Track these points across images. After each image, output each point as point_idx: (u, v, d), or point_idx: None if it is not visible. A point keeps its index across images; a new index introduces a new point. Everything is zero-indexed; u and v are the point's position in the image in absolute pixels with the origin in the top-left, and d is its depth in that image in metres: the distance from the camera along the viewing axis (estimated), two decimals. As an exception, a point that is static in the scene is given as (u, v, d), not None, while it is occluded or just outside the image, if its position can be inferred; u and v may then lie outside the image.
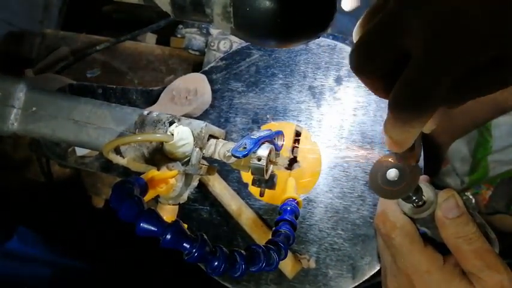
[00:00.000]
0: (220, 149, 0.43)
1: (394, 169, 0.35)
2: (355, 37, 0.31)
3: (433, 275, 0.39)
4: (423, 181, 0.42)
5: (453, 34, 0.24)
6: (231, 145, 0.43)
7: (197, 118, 0.51)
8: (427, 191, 0.40)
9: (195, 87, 0.57)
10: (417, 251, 0.40)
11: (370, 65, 0.29)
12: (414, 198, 0.39)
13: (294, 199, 0.48)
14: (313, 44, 0.57)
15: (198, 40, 0.66)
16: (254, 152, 0.41)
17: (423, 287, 0.40)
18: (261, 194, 0.55)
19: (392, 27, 0.27)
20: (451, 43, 0.24)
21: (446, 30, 0.24)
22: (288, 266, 0.52)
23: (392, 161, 0.36)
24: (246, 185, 0.56)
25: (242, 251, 0.34)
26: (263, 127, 0.56)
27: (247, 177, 0.55)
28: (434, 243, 0.41)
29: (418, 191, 0.39)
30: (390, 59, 0.28)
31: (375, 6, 0.29)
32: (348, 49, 0.56)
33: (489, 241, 0.41)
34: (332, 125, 0.55)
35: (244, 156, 0.39)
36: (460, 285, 0.38)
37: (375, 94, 0.31)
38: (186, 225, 0.32)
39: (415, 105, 0.26)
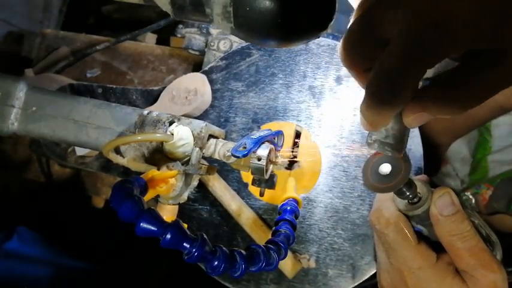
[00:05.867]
0: (220, 148, 0.43)
1: (386, 164, 0.35)
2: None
3: (425, 272, 0.39)
4: (419, 179, 0.42)
5: (428, 26, 0.25)
6: (231, 145, 0.43)
7: (197, 118, 0.51)
8: (422, 188, 0.40)
9: (195, 87, 0.58)
10: (410, 248, 0.40)
11: (355, 58, 0.30)
12: (408, 194, 0.39)
13: (294, 199, 0.48)
14: (313, 44, 0.57)
15: (198, 40, 0.66)
16: (254, 152, 0.41)
17: (415, 283, 0.40)
18: (261, 194, 0.55)
19: (372, 18, 0.28)
20: (425, 34, 0.25)
21: (423, 22, 0.25)
22: (288, 265, 0.52)
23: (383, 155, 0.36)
24: (246, 185, 0.56)
25: (242, 251, 0.34)
26: (263, 127, 0.56)
27: (247, 177, 0.55)
28: (429, 241, 0.41)
29: (412, 186, 0.39)
30: (373, 49, 0.28)
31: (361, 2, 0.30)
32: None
33: (491, 244, 0.41)
34: (332, 125, 0.55)
35: (244, 156, 0.39)
36: (452, 283, 0.38)
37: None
38: (186, 225, 0.32)
39: (387, 88, 0.27)
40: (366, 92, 0.29)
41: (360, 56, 0.30)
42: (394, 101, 0.28)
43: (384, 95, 0.27)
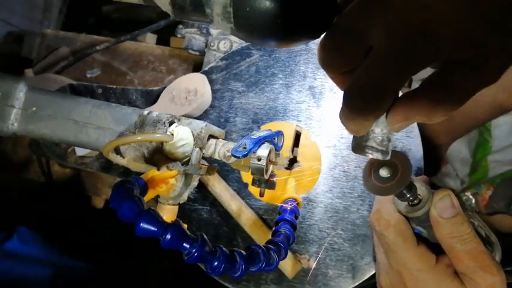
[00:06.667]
0: (220, 149, 0.43)
1: (386, 166, 0.35)
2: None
3: (425, 274, 0.39)
4: (420, 180, 0.42)
5: (412, 33, 0.24)
6: (231, 145, 0.43)
7: (197, 118, 0.51)
8: (422, 190, 0.40)
9: (195, 87, 0.58)
10: (410, 249, 0.40)
11: (334, 60, 0.29)
12: (408, 196, 0.39)
13: (294, 199, 0.48)
14: (313, 44, 0.57)
15: (198, 40, 0.66)
16: (254, 152, 0.41)
17: (414, 285, 0.40)
18: (261, 194, 0.55)
19: (355, 22, 0.27)
20: (410, 44, 0.24)
21: (406, 28, 0.24)
22: (288, 266, 0.52)
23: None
24: (246, 185, 0.56)
25: (242, 251, 0.34)
26: (263, 127, 0.56)
27: (247, 177, 0.55)
28: (429, 243, 0.41)
29: (412, 188, 0.39)
30: (354, 52, 0.28)
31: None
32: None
33: (490, 245, 0.41)
34: (332, 125, 0.55)
35: (244, 156, 0.39)
36: (451, 285, 0.38)
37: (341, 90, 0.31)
38: (186, 225, 0.32)
39: (369, 97, 0.26)
40: (346, 99, 0.28)
41: (339, 58, 0.29)
42: (377, 110, 0.27)
43: (365, 103, 0.27)
